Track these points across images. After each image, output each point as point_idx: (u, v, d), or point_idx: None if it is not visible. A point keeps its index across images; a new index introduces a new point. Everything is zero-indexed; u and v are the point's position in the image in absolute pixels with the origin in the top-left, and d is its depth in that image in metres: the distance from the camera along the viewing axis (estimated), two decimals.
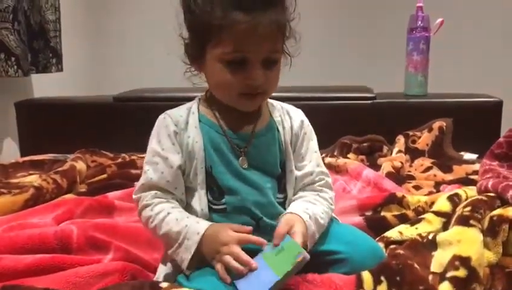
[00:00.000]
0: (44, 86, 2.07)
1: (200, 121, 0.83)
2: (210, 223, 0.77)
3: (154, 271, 0.87)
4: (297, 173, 0.86)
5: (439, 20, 1.84)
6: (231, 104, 0.82)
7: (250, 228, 0.76)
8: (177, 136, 0.81)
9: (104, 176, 1.48)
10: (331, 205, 0.86)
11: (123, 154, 1.71)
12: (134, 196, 0.82)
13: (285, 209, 0.83)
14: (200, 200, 0.80)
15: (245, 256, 0.71)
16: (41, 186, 1.28)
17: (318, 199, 0.84)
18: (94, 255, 0.93)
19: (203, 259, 0.75)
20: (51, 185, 1.31)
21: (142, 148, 1.74)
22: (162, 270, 0.81)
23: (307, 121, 0.90)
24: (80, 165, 1.49)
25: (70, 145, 1.71)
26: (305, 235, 0.75)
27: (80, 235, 0.95)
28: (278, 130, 0.86)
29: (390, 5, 2.30)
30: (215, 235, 0.74)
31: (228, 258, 0.71)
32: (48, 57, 1.95)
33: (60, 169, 1.41)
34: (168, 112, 0.84)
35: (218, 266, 0.72)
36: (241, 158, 0.81)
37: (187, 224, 0.76)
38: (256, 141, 0.83)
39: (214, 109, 0.84)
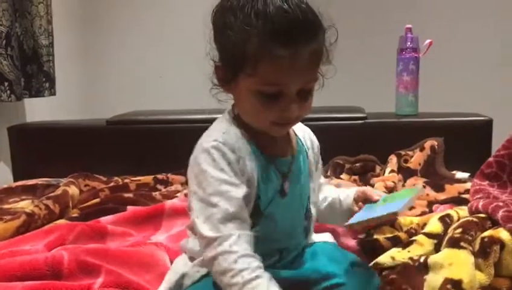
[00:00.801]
0: (37, 110, 2.08)
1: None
2: None
3: None
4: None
5: (428, 41, 1.87)
6: (260, 129, 0.78)
7: None
8: (238, 164, 0.74)
9: (97, 200, 1.47)
10: None
11: (116, 178, 1.71)
12: (211, 234, 0.70)
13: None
14: None
15: None
16: (33, 212, 1.27)
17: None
18: (85, 279, 0.93)
19: None
20: (43, 211, 1.30)
21: (135, 171, 1.76)
22: None
23: None
24: (73, 190, 1.48)
25: (63, 169, 1.70)
26: None
27: (71, 260, 0.95)
28: (306, 153, 0.86)
29: (380, 26, 2.33)
30: None
31: None
32: (41, 81, 1.96)
33: (52, 194, 1.41)
34: (219, 138, 0.76)
35: None
36: (285, 184, 0.79)
37: None
38: (294, 165, 0.82)
39: (248, 131, 0.79)
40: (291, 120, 0.77)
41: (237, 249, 0.69)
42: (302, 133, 0.88)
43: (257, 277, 0.67)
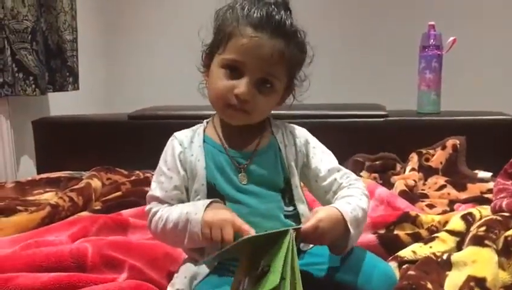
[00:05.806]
0: (61, 104, 2.11)
1: (204, 141, 0.87)
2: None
3: None
4: (322, 184, 0.87)
5: (452, 38, 1.84)
6: (221, 116, 0.86)
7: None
8: (181, 154, 0.85)
9: (119, 193, 1.49)
10: (363, 191, 0.85)
11: (137, 172, 1.73)
12: (146, 209, 0.86)
13: (296, 223, 0.83)
14: None
15: (230, 235, 0.72)
16: (57, 204, 1.30)
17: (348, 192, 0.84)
18: (108, 273, 0.94)
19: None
20: (67, 203, 1.32)
21: (156, 165, 1.76)
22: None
23: (313, 139, 0.91)
24: (95, 183, 1.51)
25: (86, 162, 1.73)
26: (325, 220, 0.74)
27: (94, 253, 0.96)
28: (280, 149, 0.87)
29: (402, 23, 2.31)
30: (217, 208, 0.77)
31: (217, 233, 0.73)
32: (65, 76, 1.99)
33: (75, 187, 1.43)
34: (176, 133, 0.89)
35: (207, 231, 0.74)
36: (240, 174, 0.84)
37: (194, 203, 0.81)
38: (257, 158, 0.85)
39: (218, 129, 0.88)
40: (241, 104, 0.80)
41: (163, 206, 0.83)
42: (281, 133, 0.90)
43: (177, 206, 0.81)
